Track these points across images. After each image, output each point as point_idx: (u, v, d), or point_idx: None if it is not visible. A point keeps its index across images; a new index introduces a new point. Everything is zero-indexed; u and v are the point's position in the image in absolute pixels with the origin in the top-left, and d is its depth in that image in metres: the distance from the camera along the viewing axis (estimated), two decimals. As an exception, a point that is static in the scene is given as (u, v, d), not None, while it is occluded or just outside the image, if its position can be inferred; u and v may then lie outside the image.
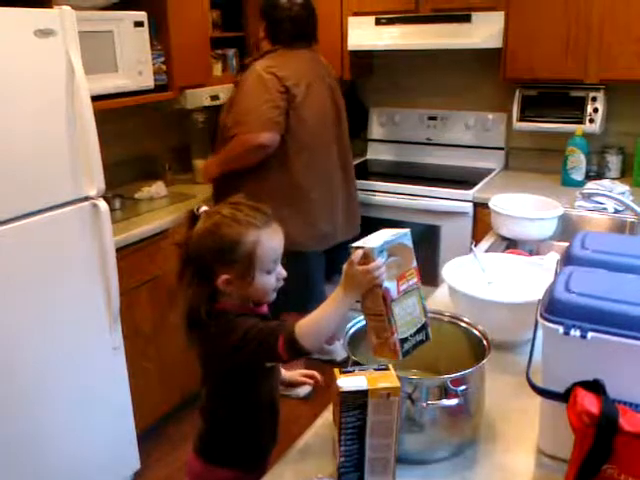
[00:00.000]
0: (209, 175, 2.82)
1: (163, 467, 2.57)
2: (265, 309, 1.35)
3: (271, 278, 1.28)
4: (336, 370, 1.03)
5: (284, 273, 1.30)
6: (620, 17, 2.72)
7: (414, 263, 1.18)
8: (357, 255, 1.12)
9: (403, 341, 1.15)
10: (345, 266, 1.15)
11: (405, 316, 1.16)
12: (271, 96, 2.55)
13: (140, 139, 3.23)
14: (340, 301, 1.16)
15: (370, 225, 3.26)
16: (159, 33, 2.85)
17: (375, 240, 1.14)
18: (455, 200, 3.01)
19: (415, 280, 1.18)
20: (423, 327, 1.20)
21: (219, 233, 1.24)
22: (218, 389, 1.36)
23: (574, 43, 2.84)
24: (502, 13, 2.96)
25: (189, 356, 1.39)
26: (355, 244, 1.15)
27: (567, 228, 2.36)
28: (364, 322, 1.22)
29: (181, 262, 1.29)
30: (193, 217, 1.29)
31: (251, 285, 1.25)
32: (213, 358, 1.31)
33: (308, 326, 1.18)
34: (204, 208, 1.30)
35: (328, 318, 1.18)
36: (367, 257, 1.11)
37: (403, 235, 1.17)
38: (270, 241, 1.26)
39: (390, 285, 1.13)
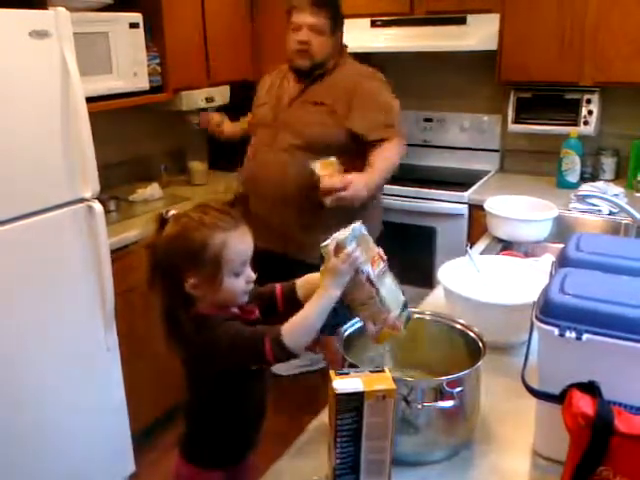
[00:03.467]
0: (365, 196, 2.17)
1: (158, 469, 2.56)
2: (257, 314, 1.34)
3: (240, 281, 1.27)
4: (331, 372, 1.03)
5: (253, 276, 1.30)
6: (615, 19, 2.73)
7: (376, 248, 1.24)
8: (331, 248, 1.17)
9: (398, 317, 1.22)
10: (322, 267, 1.19)
11: (391, 296, 1.22)
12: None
13: (135, 141, 3.22)
14: (323, 297, 1.18)
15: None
16: (154, 34, 2.84)
17: (340, 234, 1.18)
18: (450, 202, 3.02)
19: (383, 263, 1.24)
20: (405, 305, 1.26)
21: (187, 236, 1.24)
22: (207, 391, 1.35)
23: (569, 45, 2.85)
24: (497, 15, 2.97)
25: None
26: (324, 244, 1.19)
27: (562, 230, 2.36)
28: (359, 322, 1.25)
29: (150, 266, 1.28)
30: (162, 221, 1.29)
31: (220, 288, 1.25)
32: (199, 361, 1.31)
33: (294, 326, 1.19)
34: (172, 212, 1.30)
35: (313, 316, 1.19)
36: (340, 248, 1.17)
37: (359, 227, 1.22)
38: (238, 244, 1.25)
39: (368, 268, 1.19)
